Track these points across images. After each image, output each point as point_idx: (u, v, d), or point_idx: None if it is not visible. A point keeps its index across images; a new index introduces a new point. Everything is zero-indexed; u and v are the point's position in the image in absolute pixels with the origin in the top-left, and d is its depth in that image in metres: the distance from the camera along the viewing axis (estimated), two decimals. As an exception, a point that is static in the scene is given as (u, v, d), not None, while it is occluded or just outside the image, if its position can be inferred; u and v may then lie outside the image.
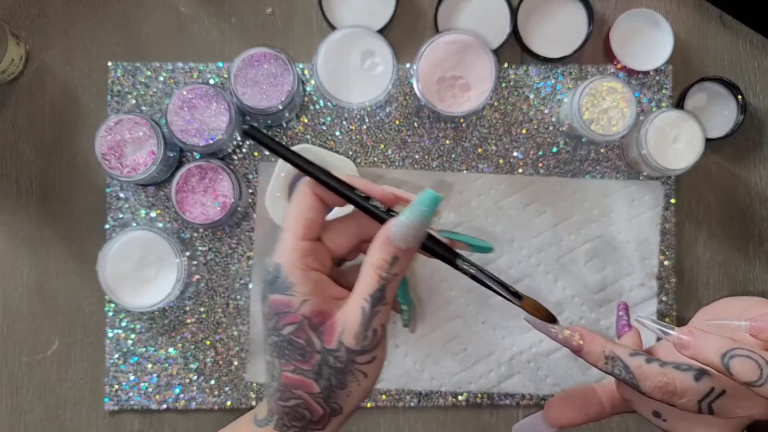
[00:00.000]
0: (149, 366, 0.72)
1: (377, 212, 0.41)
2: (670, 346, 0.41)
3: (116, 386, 0.72)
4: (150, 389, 0.72)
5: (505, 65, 0.73)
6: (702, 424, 0.42)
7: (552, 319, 0.43)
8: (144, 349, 0.72)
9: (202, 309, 0.72)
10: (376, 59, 0.68)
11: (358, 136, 0.73)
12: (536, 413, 0.50)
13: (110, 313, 0.72)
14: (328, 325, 0.41)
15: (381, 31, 0.70)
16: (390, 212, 0.41)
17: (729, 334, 0.39)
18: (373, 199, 0.41)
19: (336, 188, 0.41)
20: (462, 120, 0.73)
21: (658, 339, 0.43)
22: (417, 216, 0.39)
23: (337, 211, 0.43)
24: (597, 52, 0.74)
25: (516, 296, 0.42)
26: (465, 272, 0.42)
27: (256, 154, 0.73)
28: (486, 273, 0.42)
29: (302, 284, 0.41)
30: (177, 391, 0.72)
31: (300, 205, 0.42)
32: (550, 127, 0.73)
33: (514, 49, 0.74)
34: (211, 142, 0.67)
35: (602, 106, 0.67)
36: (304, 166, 0.41)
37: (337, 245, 0.43)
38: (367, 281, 0.41)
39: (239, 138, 0.72)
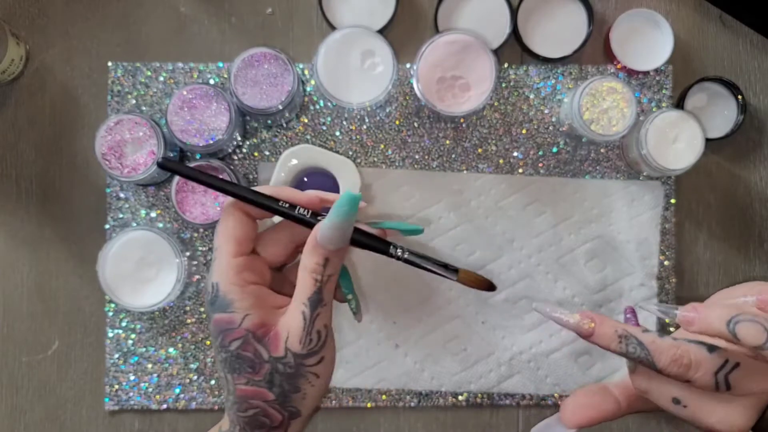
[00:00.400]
0: (149, 366, 0.72)
1: (304, 219, 0.43)
2: (678, 334, 0.42)
3: (116, 386, 0.72)
4: (150, 389, 0.72)
5: (505, 65, 0.73)
6: (722, 406, 0.41)
7: (491, 287, 0.45)
8: (144, 349, 0.72)
9: (202, 309, 0.72)
10: (376, 59, 0.68)
11: (358, 136, 0.73)
12: (553, 415, 0.50)
13: (110, 313, 0.72)
14: (272, 335, 0.42)
15: (381, 31, 0.70)
16: (317, 216, 0.43)
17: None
18: (299, 206, 0.43)
19: (259, 202, 0.43)
20: (462, 120, 0.73)
21: (660, 328, 0.43)
22: (339, 217, 0.41)
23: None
24: (597, 52, 0.74)
25: (453, 272, 0.44)
26: (398, 258, 0.44)
27: (256, 154, 0.73)
28: (418, 255, 0.44)
29: (241, 300, 0.42)
30: (177, 391, 0.72)
31: (228, 224, 0.43)
32: (550, 128, 0.73)
33: (514, 49, 0.74)
34: (211, 142, 0.67)
35: (602, 106, 0.67)
36: (225, 187, 0.43)
37: (273, 254, 0.45)
38: (303, 286, 0.42)
39: (239, 138, 0.72)
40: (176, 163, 0.45)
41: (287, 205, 0.43)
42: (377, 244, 0.44)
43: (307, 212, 0.43)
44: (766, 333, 0.37)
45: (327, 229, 0.41)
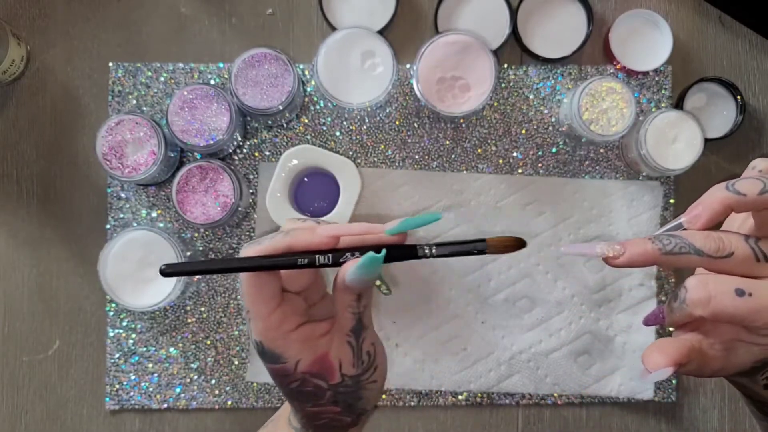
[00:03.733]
0: (150, 365, 0.72)
1: (328, 265, 0.42)
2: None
3: (117, 386, 0.72)
4: (151, 389, 0.72)
5: (505, 66, 0.74)
6: None
7: (522, 244, 0.43)
8: (145, 349, 0.72)
9: (202, 309, 0.72)
10: (376, 60, 0.68)
11: (358, 137, 0.73)
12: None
13: (111, 313, 0.72)
14: (326, 367, 0.44)
15: (381, 32, 0.70)
16: (339, 258, 0.41)
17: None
18: (318, 255, 0.41)
19: (279, 266, 0.41)
20: (462, 120, 0.73)
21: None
22: (367, 276, 0.40)
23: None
24: (596, 52, 0.74)
25: (482, 249, 0.42)
26: (428, 257, 0.42)
27: (256, 154, 0.73)
28: (444, 245, 0.42)
29: (288, 349, 0.43)
30: (178, 390, 0.72)
31: (251, 289, 0.42)
32: (550, 128, 0.73)
33: (514, 49, 0.74)
34: (212, 142, 0.67)
35: (602, 106, 0.68)
36: (240, 266, 0.41)
37: (302, 284, 0.44)
38: (343, 320, 0.43)
39: (240, 138, 0.72)
40: (179, 264, 0.45)
41: (306, 260, 0.41)
42: (406, 252, 0.42)
43: (328, 258, 0.42)
44: (762, 183, 0.38)
45: (356, 279, 0.41)
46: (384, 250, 0.40)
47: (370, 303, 0.43)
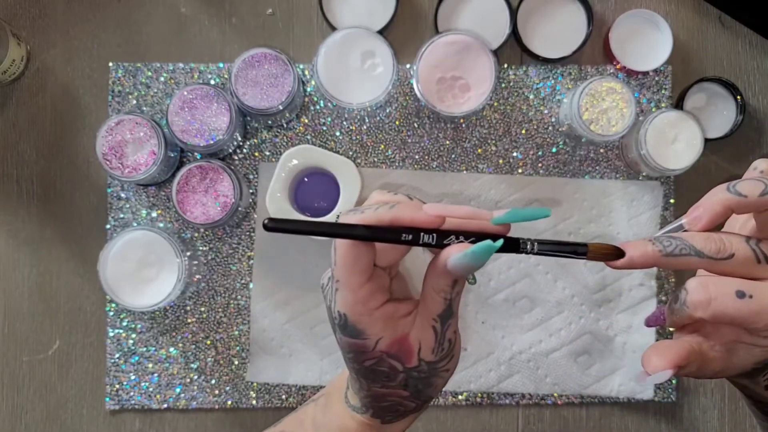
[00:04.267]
0: (150, 365, 0.72)
1: (432, 245, 0.40)
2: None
3: (117, 386, 0.72)
4: (151, 389, 0.72)
5: (505, 66, 0.74)
6: None
7: (621, 254, 0.40)
8: (145, 349, 0.72)
9: (202, 309, 0.72)
10: (376, 60, 0.68)
11: (358, 137, 0.73)
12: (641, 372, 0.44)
13: (111, 313, 0.72)
14: (405, 349, 0.42)
15: (381, 32, 0.70)
16: (443, 240, 0.40)
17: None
18: (422, 232, 0.39)
19: (382, 238, 0.39)
20: (462, 120, 0.73)
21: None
22: (475, 262, 0.39)
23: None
24: (596, 52, 0.74)
25: (583, 252, 0.40)
26: (528, 253, 0.41)
27: (256, 154, 0.73)
28: (546, 242, 0.40)
29: (372, 326, 0.42)
30: (178, 390, 0.72)
31: (348, 256, 0.40)
32: (550, 128, 0.73)
33: (514, 49, 0.74)
34: (212, 142, 0.67)
35: (602, 106, 0.68)
36: (345, 232, 0.39)
37: (391, 260, 0.43)
38: (433, 304, 0.42)
39: (240, 138, 0.72)
40: (284, 221, 0.40)
41: (410, 237, 0.39)
42: (508, 244, 0.40)
43: (432, 238, 0.40)
44: (762, 183, 0.37)
45: (460, 265, 0.39)
46: (501, 240, 0.39)
47: (462, 292, 0.42)
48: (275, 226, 0.38)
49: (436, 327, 0.42)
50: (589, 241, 0.40)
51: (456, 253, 0.39)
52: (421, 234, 0.39)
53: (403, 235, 0.39)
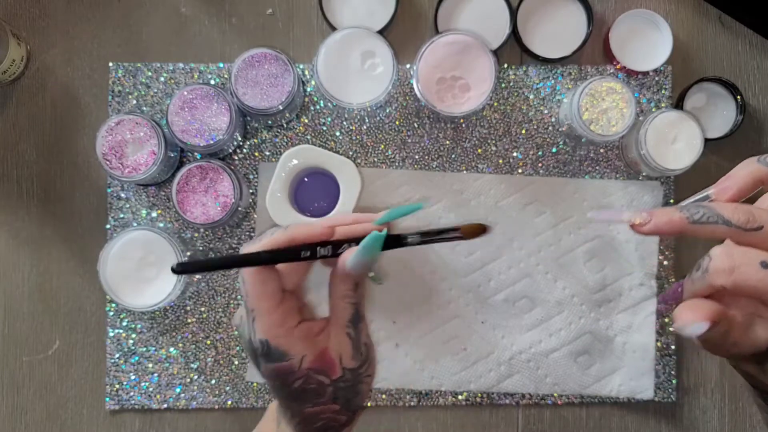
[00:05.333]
0: (150, 365, 0.72)
1: (328, 256, 0.44)
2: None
3: (117, 386, 0.72)
4: (151, 389, 0.72)
5: (505, 66, 0.74)
6: None
7: (485, 229, 0.44)
8: (145, 349, 0.72)
9: (202, 309, 0.72)
10: (376, 60, 0.68)
11: (358, 137, 0.73)
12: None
13: (111, 313, 0.72)
14: (327, 362, 0.45)
15: (381, 32, 0.70)
16: (337, 249, 0.44)
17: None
18: (318, 246, 0.43)
19: (282, 259, 0.43)
20: (462, 120, 0.73)
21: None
22: (368, 255, 0.42)
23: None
24: (596, 52, 0.74)
25: (457, 235, 0.44)
26: (412, 245, 0.44)
27: (256, 154, 0.73)
28: (423, 233, 0.44)
29: (293, 346, 0.44)
30: (178, 390, 0.72)
31: (255, 285, 0.42)
32: (550, 128, 0.74)
33: (514, 49, 0.74)
34: (212, 142, 0.67)
35: (602, 106, 0.68)
36: (243, 260, 0.42)
37: (296, 282, 0.45)
38: (342, 311, 0.44)
39: (240, 138, 0.72)
40: (189, 264, 0.47)
41: (308, 252, 0.43)
42: (393, 242, 0.45)
43: (328, 250, 0.44)
44: None
45: (356, 263, 0.42)
46: (385, 230, 0.42)
47: (366, 294, 0.45)
48: (182, 269, 0.43)
49: (350, 333, 0.45)
50: (462, 224, 0.44)
51: (350, 255, 0.42)
52: (317, 248, 0.43)
53: (302, 252, 0.42)
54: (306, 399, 0.45)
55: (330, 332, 0.45)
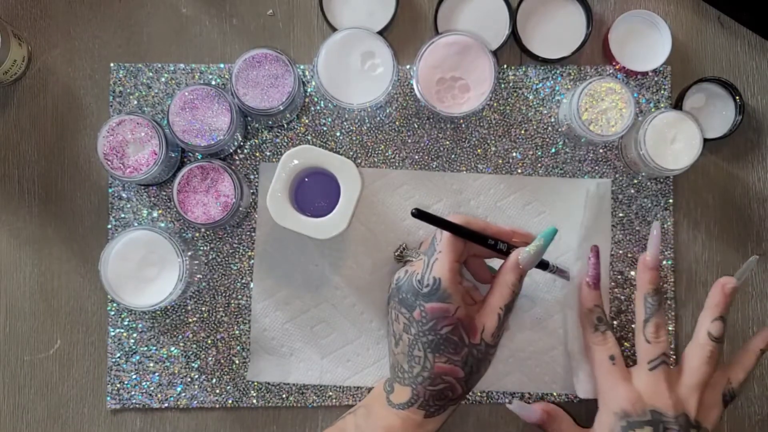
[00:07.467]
0: (151, 365, 0.72)
1: (503, 251, 0.60)
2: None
3: (118, 385, 0.72)
4: (152, 388, 0.72)
5: (505, 66, 0.74)
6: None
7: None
8: (146, 348, 0.72)
9: (203, 308, 0.73)
10: (377, 60, 0.68)
11: (358, 137, 0.73)
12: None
13: (112, 312, 0.72)
14: (471, 326, 0.57)
15: (381, 33, 0.70)
16: (509, 247, 0.61)
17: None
18: (499, 241, 0.60)
19: (476, 239, 0.59)
20: (461, 121, 0.73)
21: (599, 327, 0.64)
22: (540, 249, 0.58)
23: None
24: (596, 53, 0.74)
25: (565, 277, 0.68)
26: (551, 272, 0.65)
27: (257, 154, 0.73)
28: (560, 267, 0.67)
29: (456, 294, 0.56)
30: (178, 389, 0.72)
31: (456, 240, 0.58)
32: (549, 128, 0.74)
33: (514, 50, 0.74)
34: (213, 142, 0.67)
35: (601, 106, 0.68)
36: (453, 230, 0.58)
37: (464, 257, 0.60)
38: (502, 295, 0.58)
39: (240, 139, 0.72)
40: (425, 213, 0.58)
41: (493, 242, 0.59)
42: (541, 265, 0.63)
43: (505, 246, 0.60)
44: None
45: (529, 257, 0.58)
46: (556, 230, 0.59)
47: (520, 290, 0.59)
48: (420, 215, 0.57)
49: (500, 315, 0.57)
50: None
51: (523, 252, 0.58)
52: (498, 243, 0.60)
53: (489, 240, 0.59)
54: (445, 350, 0.55)
55: (484, 308, 0.58)
